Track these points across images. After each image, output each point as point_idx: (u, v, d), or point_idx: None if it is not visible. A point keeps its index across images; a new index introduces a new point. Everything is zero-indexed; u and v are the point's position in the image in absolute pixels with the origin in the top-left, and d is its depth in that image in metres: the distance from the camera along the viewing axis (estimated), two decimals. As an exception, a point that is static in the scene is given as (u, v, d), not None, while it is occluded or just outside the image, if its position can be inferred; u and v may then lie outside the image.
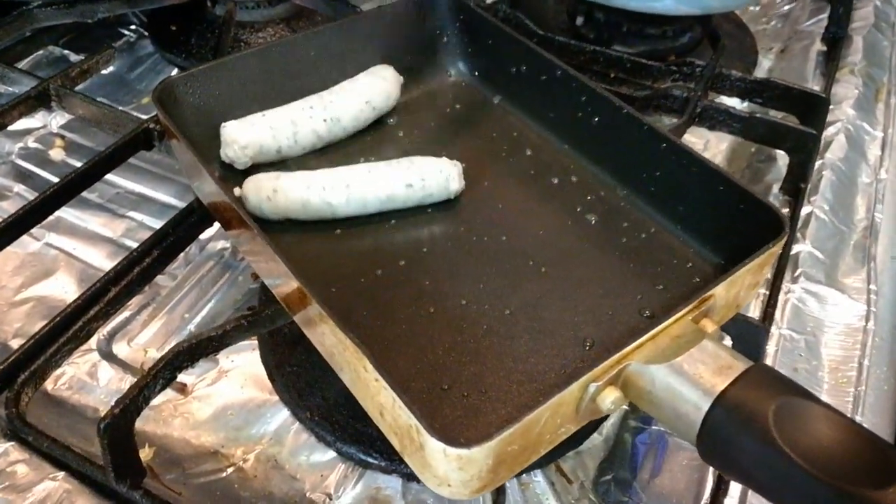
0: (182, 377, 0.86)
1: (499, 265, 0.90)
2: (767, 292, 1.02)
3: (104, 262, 1.09)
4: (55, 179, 1.19)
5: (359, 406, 0.74)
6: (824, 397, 0.94)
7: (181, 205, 1.16)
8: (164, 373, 0.80)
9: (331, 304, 0.71)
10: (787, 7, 1.74)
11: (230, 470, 0.88)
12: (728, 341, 0.92)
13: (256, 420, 0.92)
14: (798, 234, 1.14)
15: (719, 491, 0.83)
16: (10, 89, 1.26)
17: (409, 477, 0.87)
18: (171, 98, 0.96)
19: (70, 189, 1.02)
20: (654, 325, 0.70)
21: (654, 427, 0.93)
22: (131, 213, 1.18)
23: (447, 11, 1.12)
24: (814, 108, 1.21)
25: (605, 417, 0.88)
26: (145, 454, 0.85)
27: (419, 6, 1.12)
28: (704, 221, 0.90)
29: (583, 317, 0.84)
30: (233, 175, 0.97)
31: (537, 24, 1.36)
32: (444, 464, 0.62)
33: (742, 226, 0.85)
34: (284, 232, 0.92)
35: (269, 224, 0.91)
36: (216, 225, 1.06)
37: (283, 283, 0.79)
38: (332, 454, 0.89)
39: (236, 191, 0.92)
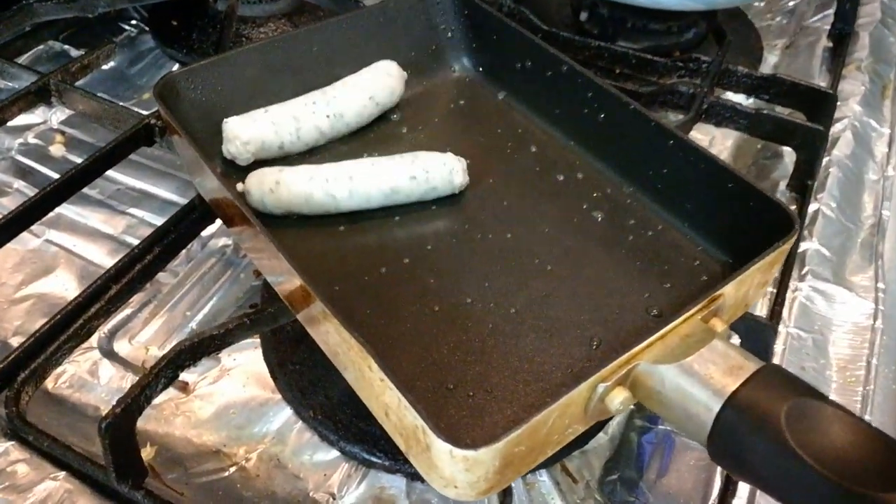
0: (184, 375, 0.85)
1: (504, 263, 0.89)
2: (775, 290, 1.01)
3: (105, 259, 1.09)
4: (55, 175, 1.18)
5: (362, 405, 0.73)
6: (833, 397, 0.93)
7: (182, 201, 1.15)
8: (166, 372, 0.79)
9: (334, 302, 0.70)
10: (792, 3, 1.72)
11: (232, 469, 0.87)
12: (735, 339, 0.91)
13: (259, 419, 0.91)
14: (805, 232, 1.13)
15: (727, 491, 0.82)
16: (10, 84, 1.25)
17: (414, 476, 0.86)
18: (173, 93, 0.95)
19: (70, 185, 1.02)
20: (663, 324, 0.69)
21: (660, 426, 0.92)
22: (132, 210, 1.17)
23: (451, 6, 1.11)
24: (821, 105, 1.20)
25: (611, 417, 0.87)
26: (147, 453, 0.84)
27: (423, 1, 1.11)
28: (712, 219, 0.89)
29: (589, 315, 0.83)
30: (235, 171, 0.96)
31: (540, 20, 1.35)
32: (451, 465, 0.61)
33: (750, 223, 0.84)
34: (287, 228, 0.91)
35: (272, 220, 0.90)
36: (218, 222, 1.05)
37: (286, 281, 0.78)
38: (335, 453, 0.89)
39: (239, 186, 0.91)
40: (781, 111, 1.25)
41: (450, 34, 1.12)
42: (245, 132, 0.94)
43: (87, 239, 1.12)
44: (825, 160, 1.24)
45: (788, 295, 1.03)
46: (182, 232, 1.00)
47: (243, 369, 0.96)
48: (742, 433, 0.61)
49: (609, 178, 0.98)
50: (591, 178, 0.98)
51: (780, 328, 0.99)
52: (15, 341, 0.96)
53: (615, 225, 0.93)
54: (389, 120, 1.06)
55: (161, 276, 1.02)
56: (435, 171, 0.92)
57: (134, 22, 1.54)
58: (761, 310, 1.01)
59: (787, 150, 1.27)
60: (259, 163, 0.96)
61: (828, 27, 1.59)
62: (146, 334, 1.00)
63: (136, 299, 1.01)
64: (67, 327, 0.87)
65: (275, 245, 0.75)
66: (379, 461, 0.87)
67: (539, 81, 1.04)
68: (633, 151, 0.95)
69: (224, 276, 1.07)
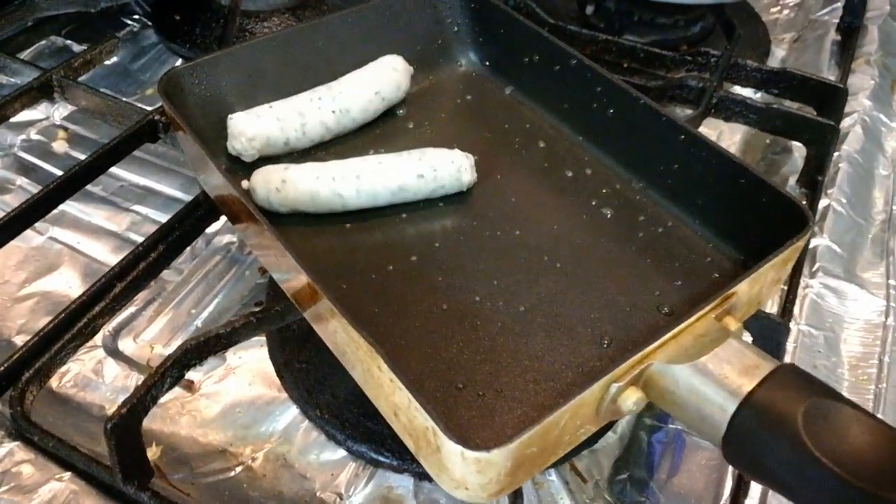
0: (189, 374, 0.84)
1: (513, 261, 0.88)
2: (786, 287, 1.00)
3: (109, 256, 1.08)
4: (58, 172, 1.18)
5: (370, 404, 0.73)
6: (845, 395, 0.92)
7: (186, 198, 1.14)
8: (172, 371, 0.78)
9: (342, 301, 0.69)
10: (800, -4, 1.71)
11: (239, 469, 0.86)
12: (747, 337, 0.90)
13: (265, 418, 0.91)
14: (816, 228, 1.12)
15: (739, 491, 0.81)
16: (12, 80, 1.24)
17: (421, 476, 0.86)
18: (177, 89, 0.94)
19: (74, 182, 1.01)
20: (674, 323, 0.68)
21: (670, 425, 0.92)
22: (136, 207, 1.16)
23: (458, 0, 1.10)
24: (831, 99, 1.19)
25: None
26: (152, 453, 0.83)
27: (429, -6, 1.10)
28: (723, 215, 0.88)
29: (599, 314, 0.82)
30: (240, 167, 0.95)
31: (546, 13, 1.34)
32: (462, 467, 0.60)
33: (763, 220, 0.83)
34: (293, 226, 0.90)
35: (278, 217, 0.89)
36: (222, 218, 1.04)
37: (293, 279, 0.77)
38: (342, 453, 0.88)
39: (244, 183, 0.90)
40: (790, 105, 1.23)
41: (456, 28, 1.11)
42: (250, 128, 0.93)
43: (91, 236, 1.11)
44: (835, 155, 1.23)
45: (799, 292, 1.03)
46: (187, 229, 0.99)
47: (249, 368, 0.95)
48: (758, 434, 0.61)
49: (618, 173, 0.96)
50: (600, 173, 0.97)
51: (792, 326, 0.98)
52: (19, 340, 0.96)
53: (625, 222, 0.92)
54: (395, 115, 1.04)
55: (165, 273, 1.01)
56: (443, 168, 0.91)
57: (136, 17, 1.53)
58: (772, 307, 1.00)
59: (796, 144, 1.26)
60: (264, 159, 0.95)
61: (836, 20, 1.57)
62: (151, 332, 0.99)
63: (141, 297, 1.00)
64: (72, 326, 0.87)
65: (281, 243, 0.74)
66: (386, 461, 0.86)
67: (547, 76, 1.02)
68: (643, 147, 0.94)
69: (229, 273, 1.07)
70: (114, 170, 1.10)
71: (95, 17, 1.44)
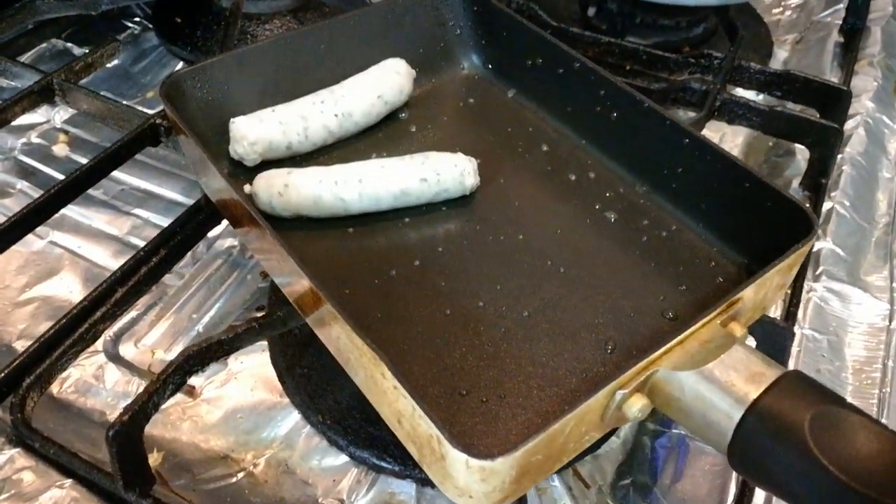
0: (191, 379, 0.84)
1: (516, 265, 0.87)
2: (789, 291, 0.99)
3: (109, 260, 1.07)
4: (59, 175, 1.18)
5: (372, 409, 0.72)
6: (848, 399, 0.92)
7: (187, 201, 1.14)
8: (174, 377, 0.78)
9: (344, 306, 0.68)
10: (802, -3, 1.70)
11: (240, 475, 0.86)
12: (750, 341, 0.89)
13: (267, 423, 0.90)
14: (819, 231, 1.12)
15: (743, 497, 0.81)
16: (13, 83, 1.23)
17: (424, 482, 0.85)
18: (179, 93, 0.93)
19: (76, 186, 1.00)
20: (679, 328, 0.68)
21: (674, 430, 0.91)
22: (137, 211, 1.16)
23: (460, 2, 1.10)
24: (835, 102, 1.19)
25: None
26: (154, 459, 0.83)
27: (431, -3, 1.09)
28: (728, 219, 0.87)
29: (603, 319, 0.82)
30: (242, 171, 0.95)
31: (549, 15, 1.34)
32: (466, 475, 0.60)
33: (767, 224, 0.83)
34: (295, 230, 0.89)
35: (280, 222, 0.89)
36: (224, 222, 1.04)
37: (295, 283, 0.77)
38: (344, 458, 0.88)
39: (246, 188, 0.90)
40: (793, 108, 1.23)
41: (458, 31, 1.11)
42: (252, 132, 0.92)
43: (92, 240, 1.11)
44: (838, 158, 1.22)
45: (803, 296, 1.02)
46: (188, 233, 0.99)
47: (251, 373, 0.95)
48: (764, 442, 0.60)
49: (622, 177, 0.96)
50: (603, 177, 0.96)
51: (795, 330, 0.97)
52: (19, 345, 0.96)
53: (628, 225, 0.91)
54: (398, 118, 1.04)
55: (167, 277, 1.00)
56: (446, 172, 0.90)
57: (137, 19, 1.53)
58: (776, 311, 0.99)
59: (799, 147, 1.25)
60: (266, 163, 0.95)
61: (838, 22, 1.57)
62: (152, 337, 0.99)
63: (142, 302, 0.99)
64: (73, 331, 0.86)
65: (284, 248, 0.74)
66: (389, 466, 0.86)
67: (550, 79, 1.02)
68: (647, 150, 0.93)
69: (230, 277, 1.06)
70: (115, 173, 1.10)
71: (96, 19, 1.43)
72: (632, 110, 0.94)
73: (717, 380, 0.64)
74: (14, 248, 0.98)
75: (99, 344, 0.94)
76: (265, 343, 0.96)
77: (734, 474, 0.86)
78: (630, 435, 0.92)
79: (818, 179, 1.15)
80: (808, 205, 1.12)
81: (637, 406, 0.65)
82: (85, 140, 1.27)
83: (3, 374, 0.81)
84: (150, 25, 1.51)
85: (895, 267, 1.11)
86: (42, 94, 1.17)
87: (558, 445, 0.63)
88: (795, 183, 1.20)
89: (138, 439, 0.75)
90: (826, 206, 1.15)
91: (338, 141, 0.99)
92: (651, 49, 1.28)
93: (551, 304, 0.83)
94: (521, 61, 1.05)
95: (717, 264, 0.87)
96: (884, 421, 0.92)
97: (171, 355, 0.95)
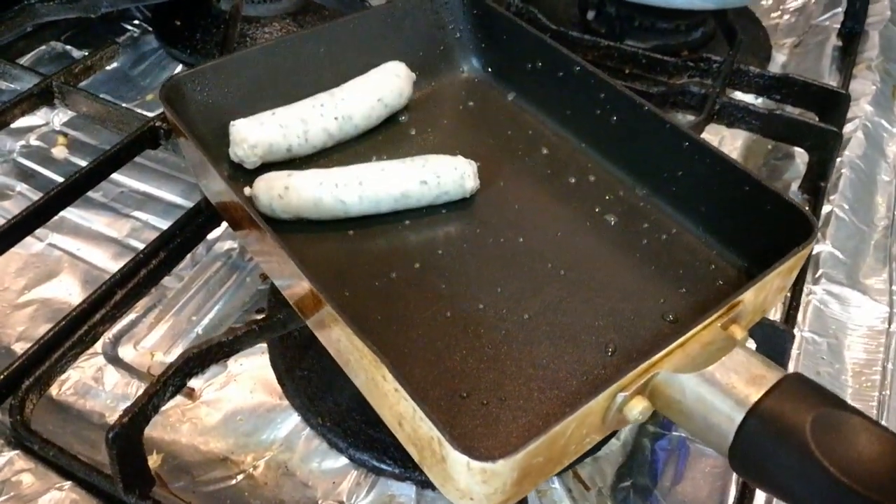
0: (190, 382, 0.83)
1: (516, 268, 0.87)
2: (789, 294, 0.99)
3: (109, 262, 1.07)
4: (58, 178, 1.18)
5: (372, 411, 0.72)
6: (848, 402, 0.92)
7: (187, 204, 1.14)
8: (174, 379, 0.78)
9: (344, 308, 0.68)
10: (800, 1, 1.71)
11: (240, 477, 0.86)
12: (750, 344, 0.89)
13: (266, 426, 0.90)
14: (818, 234, 1.12)
15: (744, 500, 0.81)
16: (12, 86, 1.23)
17: (424, 484, 0.85)
18: (179, 96, 0.93)
19: (75, 189, 1.00)
20: (679, 331, 0.68)
21: (674, 432, 0.91)
22: (136, 213, 1.15)
23: (459, 5, 1.10)
24: (834, 105, 1.19)
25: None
26: (153, 461, 0.83)
27: (431, 0, 1.09)
28: (728, 222, 0.88)
29: (604, 321, 0.82)
30: (242, 174, 0.94)
31: (548, 19, 1.34)
32: (468, 477, 0.60)
33: (767, 227, 0.83)
34: (295, 233, 0.89)
35: (280, 224, 0.89)
36: (223, 225, 1.04)
37: (296, 286, 0.77)
38: (344, 461, 0.87)
39: (246, 190, 0.90)
40: (791, 111, 1.23)
41: (458, 34, 1.11)
42: (252, 135, 0.92)
43: (91, 243, 1.11)
44: (836, 161, 1.22)
45: (803, 299, 1.02)
46: (188, 236, 0.99)
47: (250, 375, 0.95)
48: (766, 444, 0.60)
49: (622, 180, 0.96)
50: (603, 180, 0.97)
51: (795, 332, 0.98)
52: (18, 347, 0.95)
53: (628, 228, 0.91)
54: (398, 122, 1.04)
55: (166, 280, 1.00)
56: (446, 175, 0.90)
57: (136, 22, 1.53)
58: (775, 314, 0.99)
59: (797, 150, 1.26)
60: (266, 166, 0.95)
61: (837, 26, 1.57)
62: (151, 340, 0.99)
63: (141, 304, 0.99)
64: (72, 333, 0.86)
65: (285, 250, 0.74)
66: (389, 469, 0.86)
67: (550, 82, 1.02)
68: (647, 153, 0.93)
69: (230, 280, 1.06)
70: (114, 176, 1.10)
71: (95, 22, 1.43)
72: (631, 114, 0.94)
73: (718, 382, 0.64)
74: (13, 250, 0.98)
75: (98, 346, 0.94)
76: (265, 345, 0.96)
77: (734, 476, 0.86)
78: (630, 437, 0.92)
79: (817, 183, 1.15)
80: (806, 208, 1.13)
81: (638, 408, 0.65)
82: (84, 143, 1.27)
83: (2, 376, 0.81)
84: (150, 28, 1.51)
85: (894, 270, 1.11)
86: (41, 97, 1.17)
87: (559, 447, 0.63)
88: (794, 186, 1.21)
89: (138, 441, 0.75)
90: (825, 209, 1.15)
91: (338, 144, 0.99)
92: (650, 53, 1.28)
93: (552, 307, 0.83)
94: (520, 64, 1.06)
95: (716, 267, 0.87)
96: (884, 423, 0.92)
97: (171, 358, 0.95)
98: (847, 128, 1.28)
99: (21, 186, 1.19)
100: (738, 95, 1.28)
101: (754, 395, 0.62)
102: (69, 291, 1.04)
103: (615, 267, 0.88)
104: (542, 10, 1.35)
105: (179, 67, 1.43)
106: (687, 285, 0.85)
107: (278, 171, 0.90)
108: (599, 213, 0.93)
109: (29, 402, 0.81)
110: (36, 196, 1.00)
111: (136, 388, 0.92)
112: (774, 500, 0.83)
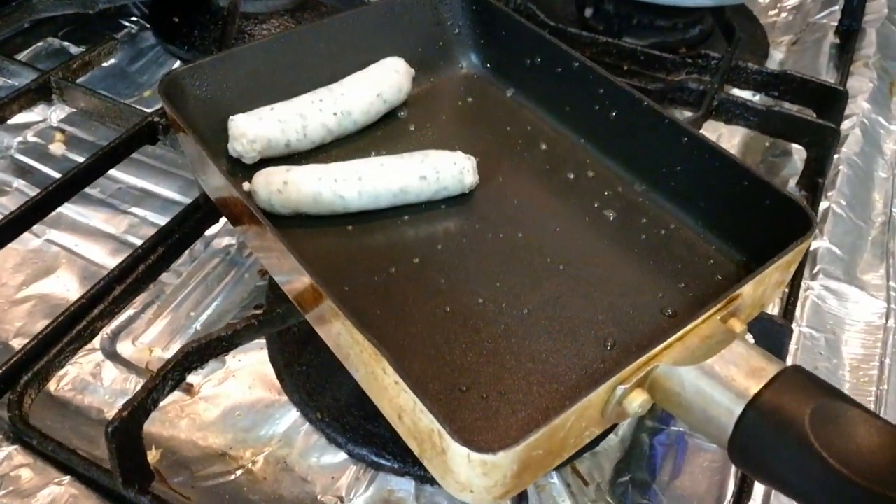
0: (189, 377, 0.83)
1: (515, 263, 0.87)
2: (787, 290, 1.00)
3: (106, 259, 1.07)
4: (55, 174, 1.17)
5: (371, 406, 0.72)
6: (847, 397, 0.93)
7: (185, 200, 1.14)
8: (173, 374, 0.78)
9: (344, 303, 0.68)
10: (797, -2, 1.71)
11: (239, 472, 0.86)
12: (749, 338, 0.90)
13: (265, 421, 0.90)
14: (816, 230, 1.12)
15: (742, 493, 0.81)
16: (10, 82, 1.23)
17: (423, 479, 0.85)
18: (178, 91, 0.93)
19: (73, 184, 1.00)
20: (678, 325, 0.68)
21: (672, 427, 0.91)
22: (134, 209, 1.15)
23: (459, 1, 1.09)
24: (832, 102, 1.19)
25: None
26: (152, 456, 0.82)
27: (430, -4, 1.09)
28: (726, 217, 0.88)
29: (603, 316, 0.82)
30: (241, 169, 0.94)
31: (546, 15, 1.34)
32: (468, 470, 0.60)
33: (766, 222, 0.83)
34: (295, 228, 0.89)
35: (279, 220, 0.89)
36: (222, 221, 1.04)
37: (295, 280, 0.77)
38: (343, 456, 0.87)
39: (245, 185, 0.90)
40: (789, 108, 1.23)
41: (457, 30, 1.11)
42: (251, 130, 0.92)
43: (89, 239, 1.10)
44: (834, 158, 1.23)
45: (800, 294, 1.03)
46: (186, 231, 0.99)
47: (249, 370, 0.94)
48: (765, 436, 0.60)
49: (621, 175, 0.96)
50: (602, 176, 0.97)
51: (793, 327, 0.98)
52: (16, 343, 0.95)
53: (627, 224, 0.91)
54: (397, 117, 1.04)
55: (164, 276, 1.00)
56: (445, 170, 0.90)
57: (134, 18, 1.53)
58: (773, 309, 1.00)
59: (795, 147, 1.26)
60: (265, 161, 0.95)
61: (834, 23, 1.58)
62: (150, 335, 0.99)
63: (139, 300, 0.99)
64: (70, 329, 0.86)
65: (285, 245, 0.73)
66: (388, 464, 0.86)
67: (549, 78, 1.02)
68: (646, 149, 0.93)
69: (228, 275, 1.06)
70: (112, 172, 1.10)
71: (93, 18, 1.43)
72: (630, 109, 0.94)
73: (717, 375, 0.64)
74: (11, 246, 0.98)
75: (96, 342, 0.94)
76: (263, 341, 0.96)
77: (733, 470, 0.86)
78: (628, 432, 0.92)
79: (815, 179, 1.15)
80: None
81: (637, 401, 0.65)
82: (81, 139, 1.27)
83: (0, 372, 0.81)
84: (148, 24, 1.50)
85: (891, 266, 1.11)
86: (39, 93, 1.16)
87: (559, 440, 0.63)
88: (792, 183, 1.21)
89: (137, 436, 0.75)
90: (823, 205, 1.16)
91: (336, 139, 0.99)
92: (648, 49, 1.28)
93: (551, 302, 0.83)
94: (519, 60, 1.06)
95: (715, 262, 0.87)
96: (881, 418, 0.93)
97: (169, 353, 0.94)
98: (844, 125, 1.28)
99: (18, 182, 1.18)
100: (737, 92, 1.28)
101: (753, 387, 0.62)
102: (67, 287, 1.04)
103: (614, 262, 0.88)
104: (540, 6, 1.35)
105: (177, 64, 1.42)
106: (686, 280, 0.85)
107: (277, 166, 0.90)
108: (598, 208, 0.93)
109: (27, 398, 0.81)
110: (33, 192, 1.00)
111: (135, 384, 0.92)
112: (773, 493, 0.84)
